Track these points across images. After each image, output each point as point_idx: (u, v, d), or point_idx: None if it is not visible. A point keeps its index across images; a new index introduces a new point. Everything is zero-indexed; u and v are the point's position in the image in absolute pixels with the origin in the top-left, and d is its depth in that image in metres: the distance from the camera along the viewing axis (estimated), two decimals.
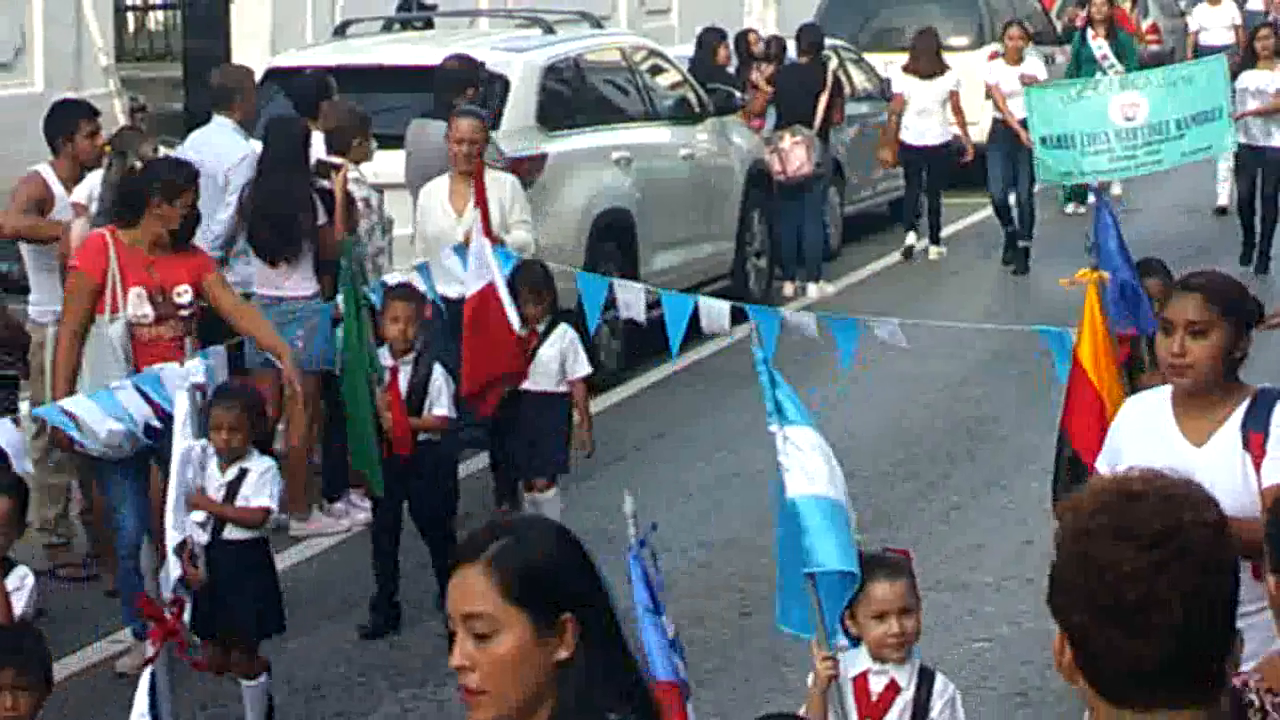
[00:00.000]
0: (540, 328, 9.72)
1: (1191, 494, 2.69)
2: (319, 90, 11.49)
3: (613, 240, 13.58)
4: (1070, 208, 20.42)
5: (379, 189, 11.11)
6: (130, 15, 22.56)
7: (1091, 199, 11.72)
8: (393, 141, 11.89)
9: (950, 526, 10.48)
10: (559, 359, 9.71)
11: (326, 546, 10.39)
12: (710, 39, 17.93)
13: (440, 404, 9.11)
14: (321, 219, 10.35)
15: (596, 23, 15.87)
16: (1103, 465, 5.46)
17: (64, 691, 8.00)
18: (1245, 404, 5.28)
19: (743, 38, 18.79)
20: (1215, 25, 26.95)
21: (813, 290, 16.70)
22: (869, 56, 20.66)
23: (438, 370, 9.16)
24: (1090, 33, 19.85)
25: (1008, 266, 17.96)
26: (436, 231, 10.67)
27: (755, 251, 16.02)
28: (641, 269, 13.90)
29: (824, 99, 16.88)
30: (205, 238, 10.35)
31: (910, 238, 18.53)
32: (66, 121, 10.08)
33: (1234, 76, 16.26)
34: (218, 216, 10.50)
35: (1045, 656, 7.42)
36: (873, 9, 23.21)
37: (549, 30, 14.43)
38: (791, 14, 23.31)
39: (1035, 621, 8.62)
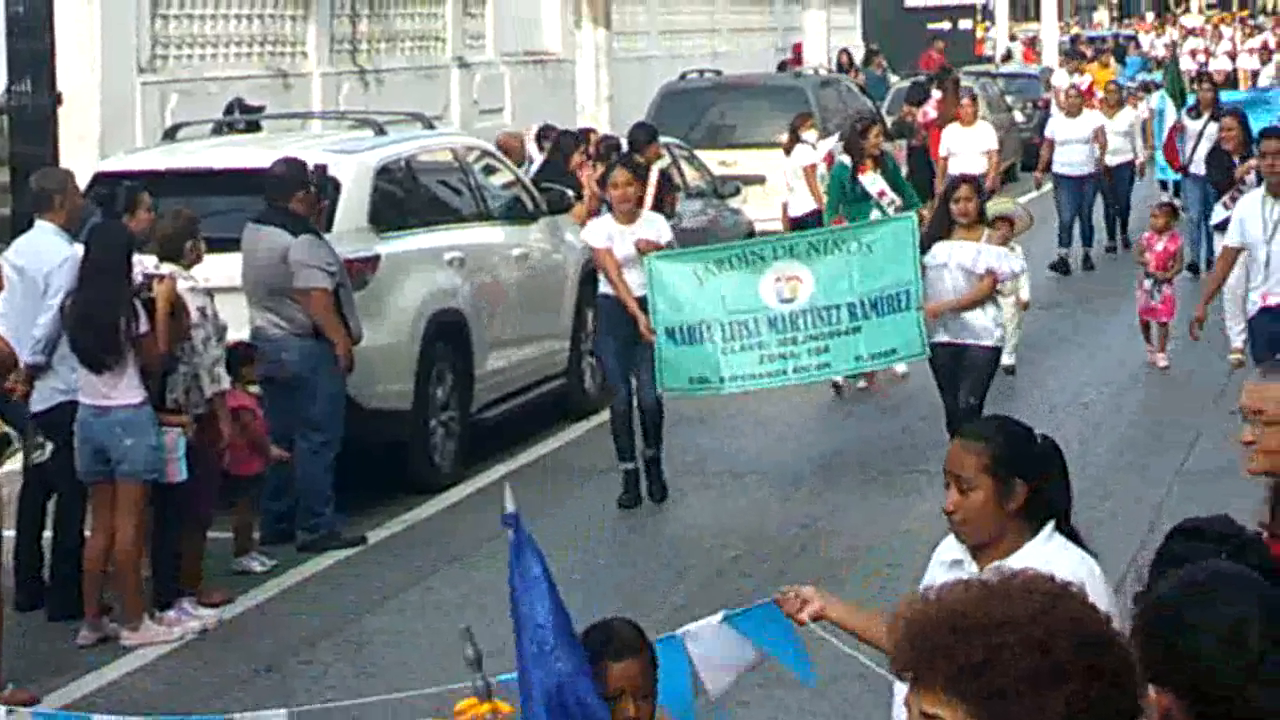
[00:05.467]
0: None
1: None
2: (128, 201, 11.40)
3: (447, 341, 13.57)
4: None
5: (209, 293, 11.03)
6: None
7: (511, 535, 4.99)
8: (224, 244, 11.83)
9: None
10: None
11: (159, 656, 10.23)
12: (567, 142, 18.14)
13: None
14: (144, 327, 10.22)
15: (429, 123, 15.91)
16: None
17: None
18: None
19: (574, 136, 18.95)
20: (966, 150, 21.32)
21: None
22: (701, 153, 20.86)
23: None
24: (860, 166, 15.98)
25: (625, 509, 12.61)
26: None
27: (590, 350, 16.07)
28: (476, 369, 13.92)
29: (649, 195, 16.99)
30: (26, 342, 10.29)
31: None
32: None
33: (924, 247, 12.20)
34: (39, 320, 10.40)
35: None
36: (704, 106, 23.49)
37: (380, 131, 14.44)
38: (624, 113, 23.48)
39: None
